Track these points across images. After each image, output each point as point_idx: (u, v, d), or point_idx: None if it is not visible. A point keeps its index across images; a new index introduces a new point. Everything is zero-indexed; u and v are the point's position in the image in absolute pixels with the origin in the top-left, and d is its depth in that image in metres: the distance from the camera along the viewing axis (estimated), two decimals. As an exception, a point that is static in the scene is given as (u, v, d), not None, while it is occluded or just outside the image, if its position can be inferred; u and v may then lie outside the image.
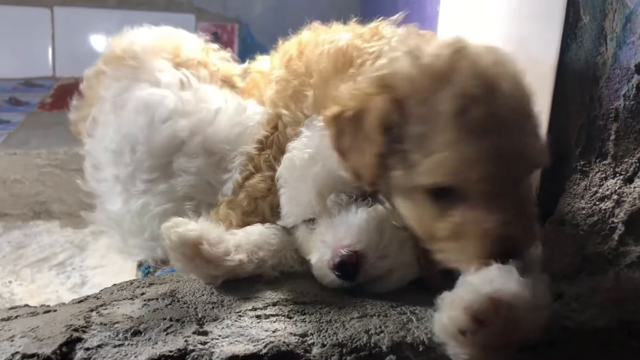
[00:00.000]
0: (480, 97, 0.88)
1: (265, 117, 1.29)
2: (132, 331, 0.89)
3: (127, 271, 1.63)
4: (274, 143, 1.23)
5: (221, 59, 1.60)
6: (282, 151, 1.16)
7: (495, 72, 0.92)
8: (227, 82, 1.54)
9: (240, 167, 1.24)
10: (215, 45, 1.61)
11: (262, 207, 1.18)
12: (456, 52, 0.94)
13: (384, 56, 1.04)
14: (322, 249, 1.04)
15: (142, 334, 0.89)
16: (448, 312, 0.81)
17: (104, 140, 1.39)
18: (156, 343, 0.87)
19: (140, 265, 1.30)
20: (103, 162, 1.40)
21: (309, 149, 1.09)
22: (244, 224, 1.14)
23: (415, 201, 0.94)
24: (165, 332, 0.89)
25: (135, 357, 0.84)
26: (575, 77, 1.19)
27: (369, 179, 0.97)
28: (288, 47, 1.35)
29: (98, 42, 3.17)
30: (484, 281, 0.83)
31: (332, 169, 1.05)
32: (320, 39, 1.24)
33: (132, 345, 0.86)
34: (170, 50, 1.50)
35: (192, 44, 1.57)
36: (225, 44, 2.98)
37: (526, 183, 0.96)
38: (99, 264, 1.93)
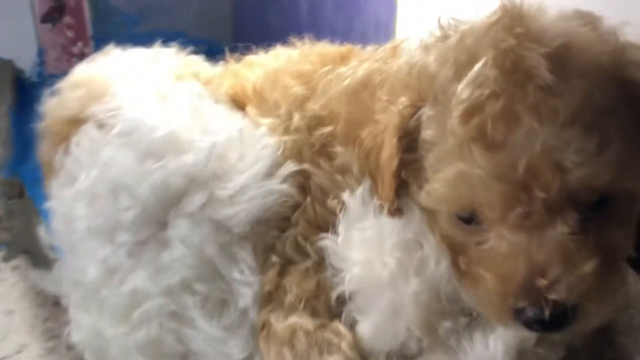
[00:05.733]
0: (503, 87, 0.66)
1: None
2: None
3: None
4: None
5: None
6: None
7: (553, 49, 0.67)
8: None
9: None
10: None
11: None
12: (497, 22, 0.71)
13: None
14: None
15: None
16: None
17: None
18: None
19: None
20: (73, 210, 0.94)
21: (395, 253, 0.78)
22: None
23: (440, 226, 0.75)
24: None
25: None
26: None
27: (391, 203, 0.77)
28: None
29: None
30: None
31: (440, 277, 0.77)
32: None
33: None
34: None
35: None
36: (73, 11, 2.46)
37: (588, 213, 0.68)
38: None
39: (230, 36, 2.55)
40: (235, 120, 0.95)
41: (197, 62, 1.10)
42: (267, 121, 0.94)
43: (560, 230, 0.65)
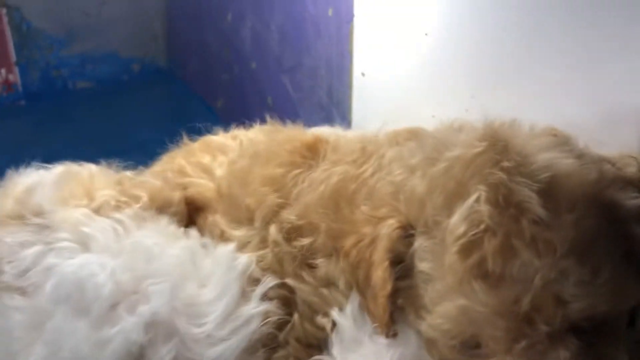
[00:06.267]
0: (498, 222, 0.67)
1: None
2: None
3: None
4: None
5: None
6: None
7: (542, 184, 0.68)
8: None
9: None
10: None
11: None
12: (484, 153, 0.71)
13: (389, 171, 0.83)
14: None
15: None
16: None
17: None
18: None
19: None
20: None
21: None
22: None
23: (441, 351, 0.73)
24: None
25: None
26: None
27: (387, 327, 0.77)
28: None
29: None
30: None
31: None
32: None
33: None
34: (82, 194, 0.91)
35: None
36: (-6, 37, 2.28)
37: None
38: None
39: (165, 56, 2.44)
40: (180, 247, 0.85)
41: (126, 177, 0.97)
42: (239, 233, 0.88)
43: (562, 356, 0.66)
